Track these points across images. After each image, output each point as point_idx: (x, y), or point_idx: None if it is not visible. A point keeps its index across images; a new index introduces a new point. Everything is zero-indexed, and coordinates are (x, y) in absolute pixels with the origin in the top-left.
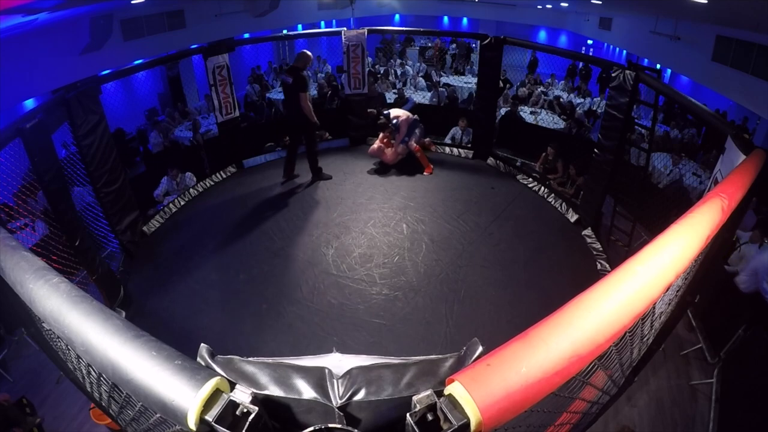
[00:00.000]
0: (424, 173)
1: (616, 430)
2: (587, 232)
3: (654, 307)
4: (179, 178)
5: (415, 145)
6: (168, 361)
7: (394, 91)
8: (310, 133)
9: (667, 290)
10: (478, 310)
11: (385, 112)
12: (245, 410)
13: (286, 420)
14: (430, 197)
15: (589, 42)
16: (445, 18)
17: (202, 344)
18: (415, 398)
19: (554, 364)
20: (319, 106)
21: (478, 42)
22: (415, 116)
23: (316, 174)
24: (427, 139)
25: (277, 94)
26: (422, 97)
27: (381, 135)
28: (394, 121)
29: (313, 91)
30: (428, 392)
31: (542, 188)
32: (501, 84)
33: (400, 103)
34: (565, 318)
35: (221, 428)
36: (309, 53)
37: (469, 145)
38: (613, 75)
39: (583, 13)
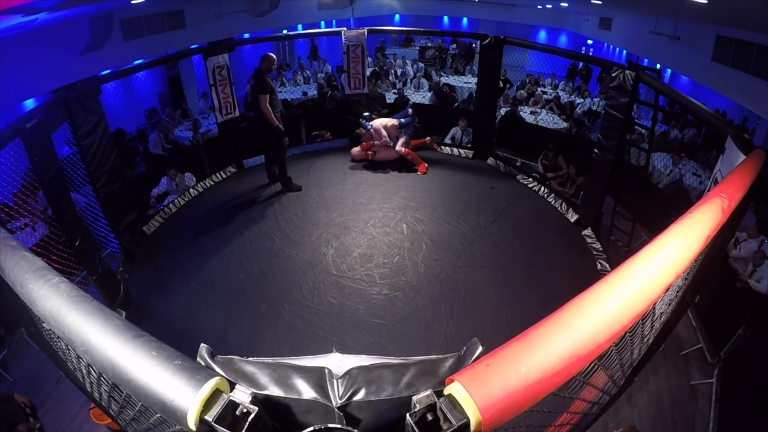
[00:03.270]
0: (418, 172)
1: (623, 429)
2: (587, 232)
3: (654, 308)
4: (178, 178)
5: (404, 149)
6: (168, 361)
7: (394, 91)
8: (274, 138)
9: (668, 290)
10: (478, 310)
11: (363, 120)
12: (245, 410)
13: (286, 420)
14: (430, 197)
15: (589, 42)
16: (445, 18)
17: (202, 344)
18: (414, 398)
19: (554, 364)
20: (319, 106)
21: (478, 42)
22: (402, 120)
23: (285, 184)
24: (428, 138)
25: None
26: (422, 97)
27: (363, 143)
28: (368, 127)
29: (312, 91)
30: (428, 392)
31: (542, 188)
32: (501, 84)
33: (400, 104)
34: (565, 318)
35: (221, 428)
36: (273, 55)
37: (469, 145)
38: (613, 75)
39: (583, 13)
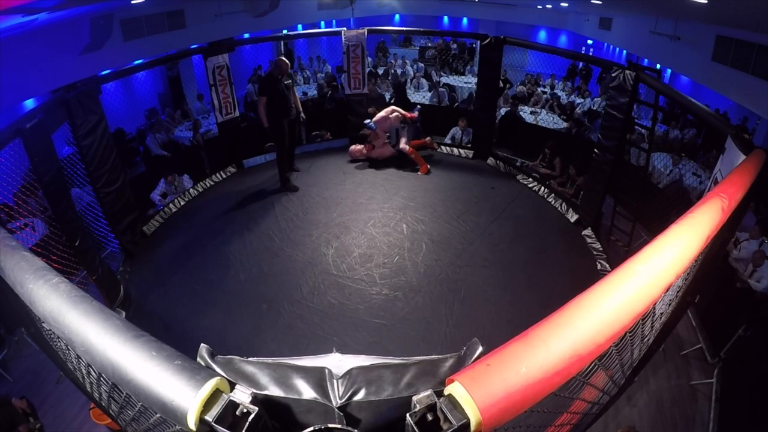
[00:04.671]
0: (419, 173)
1: (623, 429)
2: (587, 232)
3: (654, 308)
4: (177, 181)
5: (407, 147)
6: (168, 361)
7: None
8: (273, 140)
9: (668, 290)
10: (478, 310)
11: (367, 121)
12: (245, 410)
13: (286, 420)
14: (430, 197)
15: (589, 42)
16: (445, 18)
17: (202, 344)
18: (415, 398)
19: (554, 364)
20: (319, 106)
21: (478, 42)
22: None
23: (283, 183)
24: (428, 138)
25: None
26: (422, 97)
27: (368, 143)
28: (374, 126)
29: (312, 91)
30: (428, 392)
31: (542, 188)
32: (501, 84)
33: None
34: (565, 318)
35: (221, 428)
36: (285, 60)
37: (469, 145)
38: (613, 75)
39: (583, 13)
